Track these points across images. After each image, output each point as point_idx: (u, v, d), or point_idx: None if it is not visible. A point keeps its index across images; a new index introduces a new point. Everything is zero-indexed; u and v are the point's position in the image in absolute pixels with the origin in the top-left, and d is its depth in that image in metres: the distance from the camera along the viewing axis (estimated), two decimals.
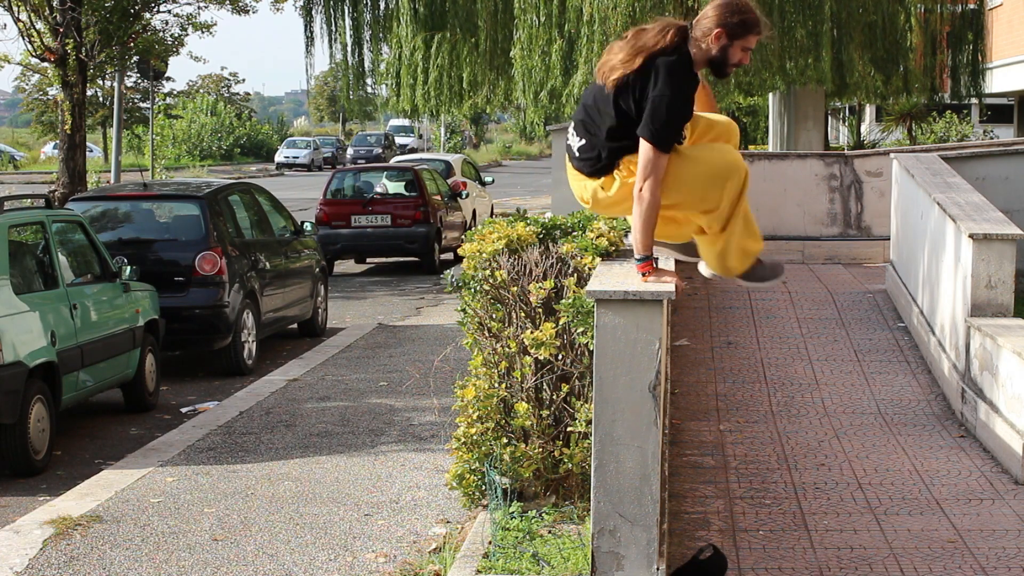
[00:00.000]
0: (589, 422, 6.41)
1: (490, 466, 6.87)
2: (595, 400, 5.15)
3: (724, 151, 5.40)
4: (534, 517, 6.65)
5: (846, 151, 19.77)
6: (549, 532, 6.46)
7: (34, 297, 9.31)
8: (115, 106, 26.27)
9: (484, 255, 7.09)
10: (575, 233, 7.23)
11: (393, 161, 30.67)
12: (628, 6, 19.25)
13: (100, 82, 28.08)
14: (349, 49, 23.26)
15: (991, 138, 33.35)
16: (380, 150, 64.80)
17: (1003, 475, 7.64)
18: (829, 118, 40.37)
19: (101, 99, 49.22)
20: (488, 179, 30.69)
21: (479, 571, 6.02)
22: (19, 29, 19.80)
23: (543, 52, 20.64)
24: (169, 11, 25.31)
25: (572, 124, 5.52)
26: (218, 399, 11.21)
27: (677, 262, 6.00)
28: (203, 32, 23.36)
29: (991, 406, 8.09)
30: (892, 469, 7.82)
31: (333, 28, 23.21)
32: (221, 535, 7.17)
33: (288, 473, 8.47)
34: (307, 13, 23.19)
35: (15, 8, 19.70)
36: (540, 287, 6.78)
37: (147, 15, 21.75)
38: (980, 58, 23.14)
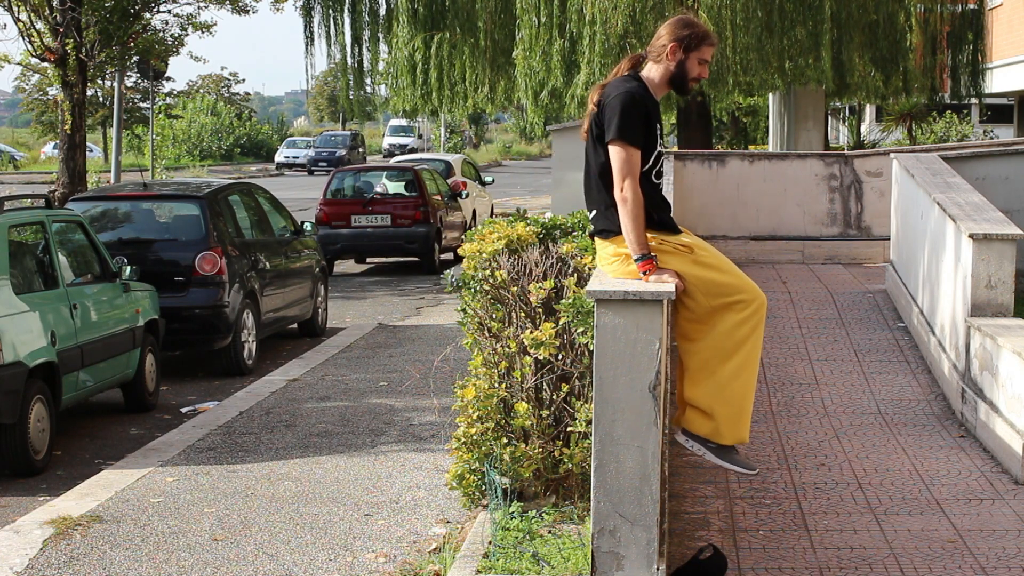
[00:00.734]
0: (589, 422, 6.41)
1: (490, 466, 6.86)
2: (595, 400, 5.15)
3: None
4: (534, 517, 6.64)
5: (846, 151, 19.76)
6: (549, 532, 6.46)
7: (34, 297, 9.31)
8: (115, 106, 26.26)
9: (484, 255, 7.09)
10: (575, 233, 7.24)
11: (393, 161, 30.64)
12: (628, 6, 19.28)
13: (100, 82, 28.07)
14: (348, 49, 23.30)
15: (991, 138, 33.35)
16: (344, 151, 58.39)
17: (1003, 475, 7.64)
18: (829, 118, 40.36)
19: (101, 99, 49.17)
20: (488, 179, 30.69)
21: (479, 571, 6.02)
22: (19, 29, 19.78)
23: (544, 52, 20.66)
24: (169, 11, 25.25)
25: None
26: (218, 399, 11.21)
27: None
28: (203, 32, 23.34)
29: (991, 406, 8.08)
30: (892, 469, 7.81)
31: (333, 28, 23.24)
32: (221, 535, 7.17)
33: (288, 473, 8.47)
34: (307, 13, 23.21)
35: (15, 8, 19.68)
36: (540, 287, 6.78)
37: (147, 15, 21.73)
38: (980, 58, 23.15)
